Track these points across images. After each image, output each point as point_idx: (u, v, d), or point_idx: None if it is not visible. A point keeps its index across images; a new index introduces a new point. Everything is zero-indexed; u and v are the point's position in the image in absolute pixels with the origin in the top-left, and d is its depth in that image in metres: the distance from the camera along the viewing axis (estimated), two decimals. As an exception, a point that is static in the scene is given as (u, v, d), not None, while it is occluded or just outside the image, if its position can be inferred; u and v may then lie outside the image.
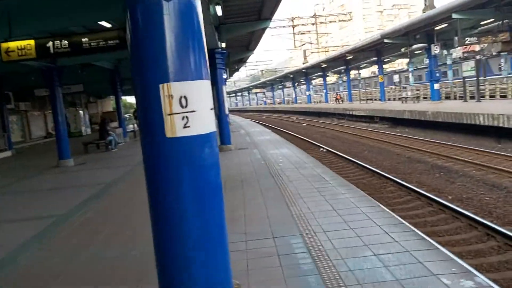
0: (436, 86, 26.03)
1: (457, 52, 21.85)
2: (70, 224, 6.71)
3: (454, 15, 18.22)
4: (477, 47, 26.89)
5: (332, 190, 7.26)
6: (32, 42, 8.39)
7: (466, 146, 16.13)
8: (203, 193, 2.88)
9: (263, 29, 16.97)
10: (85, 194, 8.99)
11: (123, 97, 62.75)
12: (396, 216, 5.78)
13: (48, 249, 5.63)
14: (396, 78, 49.96)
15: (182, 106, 2.77)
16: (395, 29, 24.42)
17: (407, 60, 71.80)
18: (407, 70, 50.03)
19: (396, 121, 25.71)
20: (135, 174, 11.09)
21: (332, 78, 64.66)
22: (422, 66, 48.71)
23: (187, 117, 2.78)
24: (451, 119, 18.84)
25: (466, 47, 39.05)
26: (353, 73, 49.17)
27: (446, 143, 17.47)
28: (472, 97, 25.21)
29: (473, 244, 7.13)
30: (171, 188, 2.83)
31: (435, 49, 23.20)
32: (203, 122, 2.85)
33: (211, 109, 2.92)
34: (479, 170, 12.48)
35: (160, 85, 2.75)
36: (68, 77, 22.50)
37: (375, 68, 69.53)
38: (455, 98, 28.77)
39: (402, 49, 28.58)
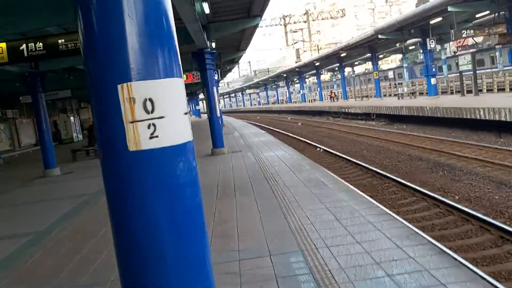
0: (433, 81, 25.52)
1: (452, 46, 21.36)
2: (43, 245, 6.07)
3: (450, 8, 17.70)
4: (470, 41, 26.53)
5: (333, 196, 6.67)
6: (3, 45, 7.75)
7: (467, 142, 15.61)
8: (179, 219, 2.24)
9: (254, 27, 16.39)
10: (66, 207, 8.36)
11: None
12: (407, 224, 5.18)
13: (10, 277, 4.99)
14: (390, 74, 49.72)
15: (147, 112, 2.13)
16: (389, 24, 23.88)
17: (400, 56, 71.71)
18: (401, 67, 49.76)
19: (393, 118, 25.19)
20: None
21: (325, 76, 64.26)
22: (418, 61, 48.51)
23: (154, 124, 2.15)
24: (450, 114, 18.32)
25: (459, 41, 38.78)
26: (347, 70, 48.80)
27: (447, 139, 16.96)
28: (469, 91, 24.73)
29: (487, 249, 6.58)
30: (138, 214, 2.19)
31: (431, 44, 22.69)
32: (175, 130, 2.23)
33: (186, 113, 2.31)
34: (483, 166, 11.96)
35: (119, 86, 2.11)
36: (55, 82, 21.86)
37: (369, 65, 69.33)
38: (451, 93, 28.30)
39: (397, 45, 28.05)
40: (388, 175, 11.88)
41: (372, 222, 5.17)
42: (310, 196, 6.73)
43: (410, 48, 42.35)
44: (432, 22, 21.90)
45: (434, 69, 25.34)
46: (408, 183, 10.75)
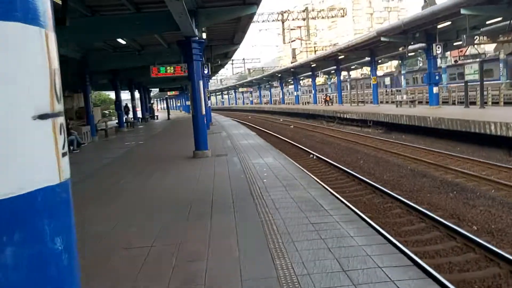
0: (435, 89, 24.15)
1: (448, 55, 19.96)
2: None
3: (463, 11, 16.29)
4: (469, 50, 25.15)
5: (335, 229, 5.15)
6: None
7: (475, 159, 14.20)
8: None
9: (249, 17, 14.85)
10: None
11: (105, 92, 60.45)
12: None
13: None
14: (387, 81, 48.47)
15: None
16: (394, 26, 22.46)
17: (394, 63, 70.55)
18: (399, 73, 48.55)
19: (391, 126, 23.80)
20: (79, 191, 8.87)
21: (320, 79, 62.87)
22: (416, 69, 47.28)
23: None
24: (456, 127, 16.92)
25: (461, 50, 37.58)
26: (342, 74, 47.41)
27: (452, 153, 15.55)
28: (472, 103, 23.41)
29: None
30: None
31: (437, 49, 21.30)
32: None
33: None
34: (499, 189, 10.56)
35: None
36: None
37: (365, 70, 68.07)
38: (453, 103, 26.98)
39: (400, 49, 26.66)
40: (391, 193, 10.44)
41: (394, 279, 3.66)
42: (307, 227, 5.21)
43: (410, 54, 41.18)
44: (440, 26, 20.49)
45: (437, 77, 23.96)
46: (416, 205, 9.33)
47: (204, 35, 15.32)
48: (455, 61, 41.30)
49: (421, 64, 50.95)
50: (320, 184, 8.46)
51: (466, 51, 35.63)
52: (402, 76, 45.72)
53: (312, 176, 11.51)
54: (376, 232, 5.31)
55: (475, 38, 17.16)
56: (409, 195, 10.63)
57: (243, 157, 12.02)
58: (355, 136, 23.64)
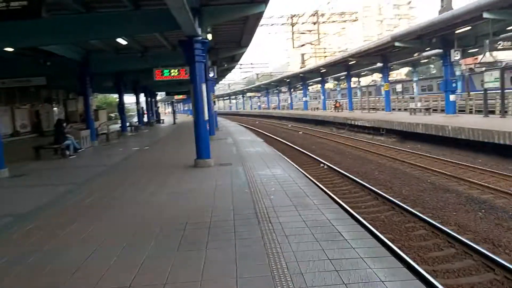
0: (452, 97, 23.00)
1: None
2: None
3: (485, 15, 15.21)
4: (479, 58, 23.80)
5: (360, 268, 4.09)
6: None
7: (500, 172, 13.08)
8: None
9: (257, 17, 13.88)
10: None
11: (113, 95, 59.69)
12: None
13: None
14: (398, 87, 47.29)
15: None
16: (409, 31, 21.37)
17: (404, 70, 69.17)
18: (410, 80, 47.34)
19: (405, 135, 22.67)
20: (60, 206, 7.89)
21: (329, 85, 61.75)
22: (431, 76, 46.07)
23: None
24: (477, 137, 15.80)
25: (476, 58, 36.32)
26: (352, 80, 46.20)
27: (474, 165, 14.43)
28: (490, 112, 22.23)
29: None
30: None
31: (456, 55, 20.17)
32: None
33: None
34: (533, 209, 9.45)
35: None
36: (29, 67, 19.34)
37: (375, 76, 66.89)
38: (470, 112, 25.77)
39: (415, 55, 25.55)
40: (413, 210, 9.37)
41: None
42: (324, 265, 4.16)
43: (422, 61, 40.01)
44: (458, 31, 19.38)
45: (454, 84, 22.82)
46: (442, 226, 8.26)
47: (209, 36, 14.38)
48: (470, 68, 40.04)
49: (434, 71, 49.78)
50: (334, 199, 7.39)
51: (482, 58, 34.48)
52: (414, 84, 44.50)
53: (324, 189, 10.47)
54: (412, 275, 4.23)
55: (498, 43, 16.04)
56: (433, 213, 9.55)
57: (248, 167, 10.99)
58: (368, 144, 22.54)
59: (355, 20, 43.40)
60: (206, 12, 11.12)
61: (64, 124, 16.38)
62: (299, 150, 20.80)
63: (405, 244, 7.75)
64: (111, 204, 7.60)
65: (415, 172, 14.33)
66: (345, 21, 43.01)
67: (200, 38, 10.90)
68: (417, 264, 6.44)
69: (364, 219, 8.68)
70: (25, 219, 6.74)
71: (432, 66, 50.17)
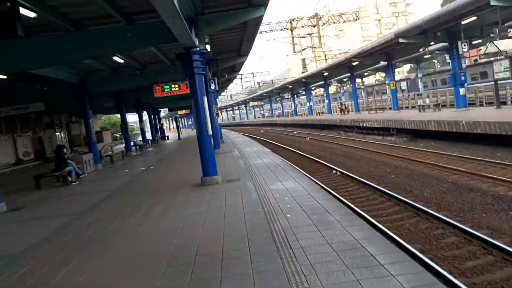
0: (462, 91, 22.26)
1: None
2: None
3: (493, 2, 14.54)
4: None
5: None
6: None
7: (525, 166, 12.36)
8: None
9: (256, 22, 13.27)
10: None
11: (114, 115, 59.26)
12: None
13: None
14: (403, 85, 46.56)
15: None
16: (413, 26, 20.67)
17: (407, 67, 68.30)
18: (415, 76, 46.53)
19: (416, 133, 21.94)
20: (56, 242, 7.25)
21: (331, 88, 61.12)
22: (438, 70, 45.28)
23: None
24: (495, 130, 15.05)
25: (479, 49, 35.54)
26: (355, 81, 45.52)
27: (494, 160, 13.70)
28: (502, 103, 21.48)
29: None
30: None
31: (463, 47, 19.46)
32: None
33: None
34: None
35: None
36: (26, 94, 18.86)
37: (378, 76, 66.18)
38: (480, 105, 25.00)
39: (421, 50, 24.83)
40: (439, 215, 8.64)
41: None
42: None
43: (425, 57, 39.26)
44: (464, 22, 18.68)
45: (463, 78, 22.08)
46: (474, 231, 7.54)
47: (208, 47, 13.80)
48: (475, 60, 39.23)
49: (438, 66, 49.02)
50: (357, 212, 6.67)
51: (486, 49, 33.74)
52: (419, 80, 43.73)
53: (344, 200, 9.77)
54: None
55: (509, 31, 15.33)
56: (461, 216, 8.82)
57: (259, 182, 10.30)
58: (379, 146, 21.82)
59: (356, 20, 42.75)
60: (202, 21, 10.52)
61: (65, 150, 15.80)
62: (308, 157, 20.11)
63: (437, 255, 7.04)
64: (112, 236, 6.94)
65: (433, 172, 13.60)
66: (345, 21, 42.38)
67: (198, 49, 10.29)
68: (454, 277, 5.76)
69: (387, 227, 7.98)
70: (17, 261, 6.08)
71: (435, 61, 49.35)
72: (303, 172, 12.20)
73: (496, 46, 33.33)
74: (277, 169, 12.37)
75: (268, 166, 13.25)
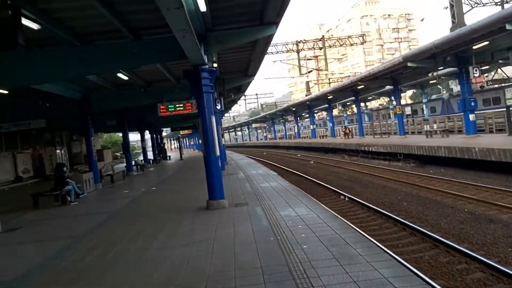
0: (472, 117, 21.85)
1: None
2: None
3: (508, 26, 14.23)
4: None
5: None
6: None
7: (545, 196, 11.82)
8: None
9: (266, 41, 12.93)
10: None
11: (116, 134, 58.89)
12: None
13: None
14: (407, 110, 46.22)
15: None
16: (422, 50, 20.38)
17: (409, 93, 68.09)
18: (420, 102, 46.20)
19: (424, 159, 21.43)
20: (64, 261, 6.70)
21: (334, 112, 60.94)
22: (437, 97, 45.01)
23: None
24: (510, 158, 14.53)
25: (486, 75, 35.30)
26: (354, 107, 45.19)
27: (510, 190, 13.14)
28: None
29: None
30: None
31: (475, 72, 19.14)
32: None
33: None
34: None
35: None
36: (27, 110, 18.47)
37: (382, 100, 66.01)
38: (490, 132, 24.54)
39: (429, 74, 24.54)
40: (462, 249, 8.07)
41: None
42: None
43: (431, 82, 39.02)
44: (476, 47, 18.39)
45: (473, 103, 21.70)
46: (502, 267, 6.98)
47: (215, 65, 13.44)
48: (481, 86, 39.01)
49: (444, 92, 48.79)
50: (383, 249, 6.11)
51: (494, 75, 33.42)
52: (424, 105, 43.41)
53: (368, 237, 9.20)
54: None
55: (525, 55, 15.00)
56: (485, 250, 8.25)
57: (268, 207, 9.77)
58: (386, 171, 21.28)
59: (362, 43, 42.68)
60: (212, 38, 10.17)
61: (65, 168, 15.30)
62: (314, 181, 19.57)
63: (466, 294, 6.48)
64: (113, 264, 6.38)
65: (447, 201, 13.04)
66: (352, 44, 42.28)
67: (207, 66, 9.90)
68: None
69: (406, 260, 7.40)
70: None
71: (440, 86, 49.18)
72: (314, 199, 11.63)
73: (504, 72, 33.09)
74: (285, 194, 11.84)
75: (276, 190, 12.73)
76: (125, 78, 15.12)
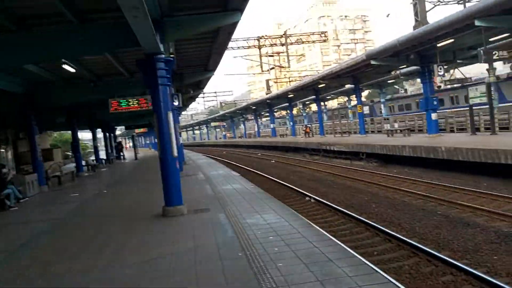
0: (434, 116, 21.68)
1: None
2: None
3: (477, 22, 13.87)
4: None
5: None
6: None
7: (516, 197, 11.43)
8: None
9: (229, 31, 11.91)
10: None
11: (67, 132, 56.05)
12: None
13: None
14: (366, 110, 46.43)
15: None
16: (386, 47, 19.92)
17: (365, 92, 68.88)
18: (378, 102, 46.55)
19: (386, 159, 21.06)
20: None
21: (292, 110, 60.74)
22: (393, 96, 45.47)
23: None
24: (479, 158, 14.21)
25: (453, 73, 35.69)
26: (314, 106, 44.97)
27: (480, 190, 12.79)
28: (477, 129, 20.98)
29: None
30: None
31: (439, 70, 18.87)
32: None
33: None
34: None
35: None
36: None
37: (340, 99, 66.40)
38: (451, 131, 24.53)
39: (392, 73, 24.26)
40: (445, 258, 7.38)
41: None
42: None
43: (389, 81, 39.24)
44: (440, 44, 18.07)
45: (435, 103, 21.53)
46: (492, 279, 6.34)
47: (171, 52, 12.29)
48: (438, 86, 39.53)
49: (402, 91, 49.36)
50: (375, 269, 5.22)
51: (452, 75, 33.75)
52: (382, 105, 43.69)
53: (352, 253, 8.39)
54: None
55: (493, 53, 14.68)
56: (469, 259, 7.61)
57: (232, 213, 8.77)
58: (349, 171, 20.75)
59: (324, 40, 42.32)
60: (169, 25, 9.04)
61: (4, 169, 13.72)
62: (277, 181, 18.74)
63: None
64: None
65: (416, 202, 12.51)
66: (314, 41, 41.85)
67: (163, 56, 8.79)
68: None
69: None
70: None
71: (396, 86, 49.77)
72: (282, 202, 10.75)
73: (461, 72, 33.50)
74: (251, 198, 10.88)
75: (239, 193, 11.74)
76: (72, 70, 13.67)
